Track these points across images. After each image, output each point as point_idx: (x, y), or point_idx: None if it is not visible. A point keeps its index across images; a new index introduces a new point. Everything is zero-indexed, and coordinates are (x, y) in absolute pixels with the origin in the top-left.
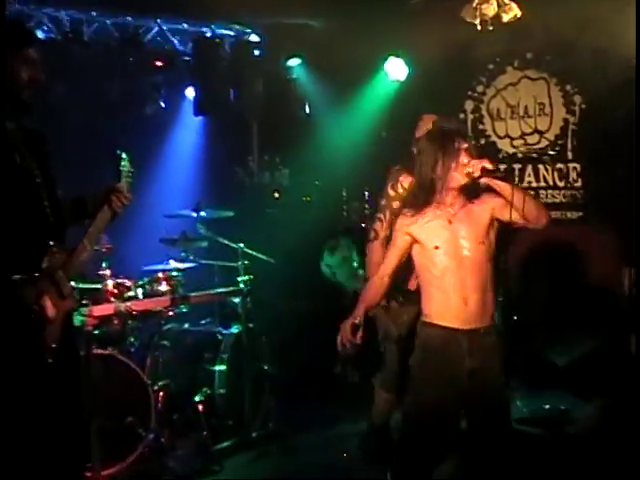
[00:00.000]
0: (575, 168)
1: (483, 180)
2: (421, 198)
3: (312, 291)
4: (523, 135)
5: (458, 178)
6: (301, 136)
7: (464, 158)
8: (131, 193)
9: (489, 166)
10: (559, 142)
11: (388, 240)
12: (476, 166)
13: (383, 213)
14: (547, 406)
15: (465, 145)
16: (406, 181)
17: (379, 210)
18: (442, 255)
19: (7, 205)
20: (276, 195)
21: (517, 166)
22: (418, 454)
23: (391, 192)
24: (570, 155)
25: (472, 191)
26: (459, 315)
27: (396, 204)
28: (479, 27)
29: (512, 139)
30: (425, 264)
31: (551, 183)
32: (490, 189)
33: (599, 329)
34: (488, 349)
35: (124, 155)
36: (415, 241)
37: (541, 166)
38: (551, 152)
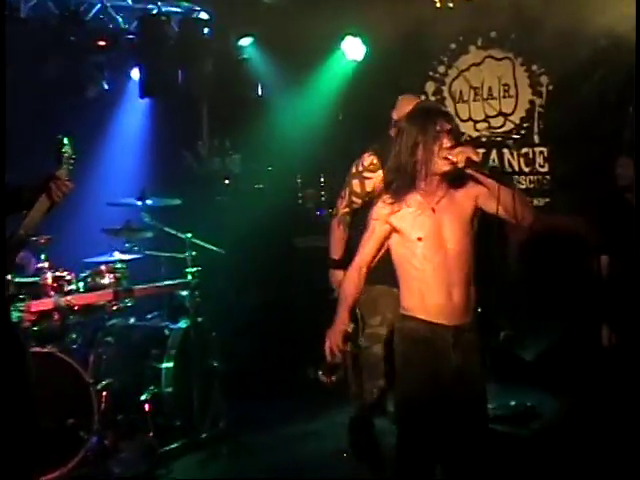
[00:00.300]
0: (542, 152)
1: (468, 171)
2: (401, 184)
3: (264, 282)
4: (487, 118)
5: (441, 164)
6: (253, 119)
7: (447, 141)
8: (71, 180)
9: (475, 157)
10: (525, 125)
11: (348, 220)
12: (460, 156)
13: (344, 191)
14: (513, 402)
15: (448, 127)
16: (367, 160)
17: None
18: (425, 247)
19: None
20: (226, 182)
21: (480, 150)
22: (416, 452)
23: (352, 169)
24: (536, 139)
25: (456, 177)
26: (444, 310)
27: (355, 183)
28: (438, 4)
29: (475, 122)
30: (405, 256)
31: (517, 168)
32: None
33: (567, 320)
34: (471, 346)
35: (65, 140)
36: (395, 231)
37: (506, 150)
38: (516, 136)
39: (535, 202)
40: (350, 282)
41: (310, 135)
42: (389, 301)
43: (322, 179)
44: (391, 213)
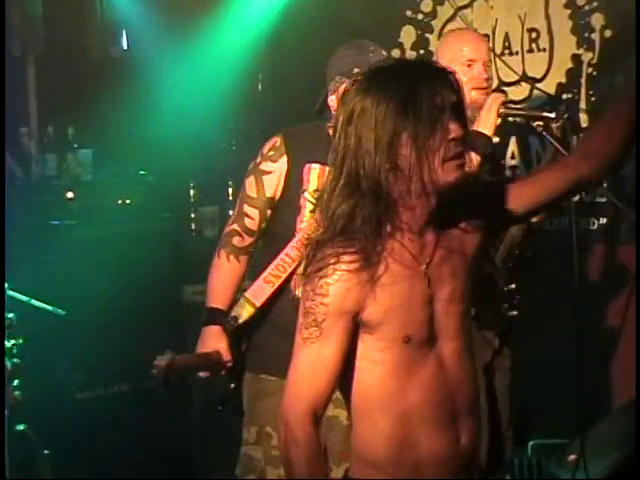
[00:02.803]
0: None
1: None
2: (370, 221)
3: (130, 361)
4: (502, 86)
5: (447, 170)
6: (113, 91)
7: (456, 131)
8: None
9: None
10: (565, 97)
11: (236, 246)
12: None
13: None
14: None
15: (454, 98)
16: (268, 144)
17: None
18: (415, 352)
19: None
20: (69, 195)
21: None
22: None
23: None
24: (584, 118)
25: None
26: (446, 461)
27: (249, 183)
28: None
29: None
30: (377, 374)
31: None
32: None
33: None
34: None
35: None
36: (366, 329)
37: (533, 138)
38: (550, 114)
39: (584, 224)
40: (295, 446)
41: (210, 116)
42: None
43: (230, 190)
44: (364, 295)
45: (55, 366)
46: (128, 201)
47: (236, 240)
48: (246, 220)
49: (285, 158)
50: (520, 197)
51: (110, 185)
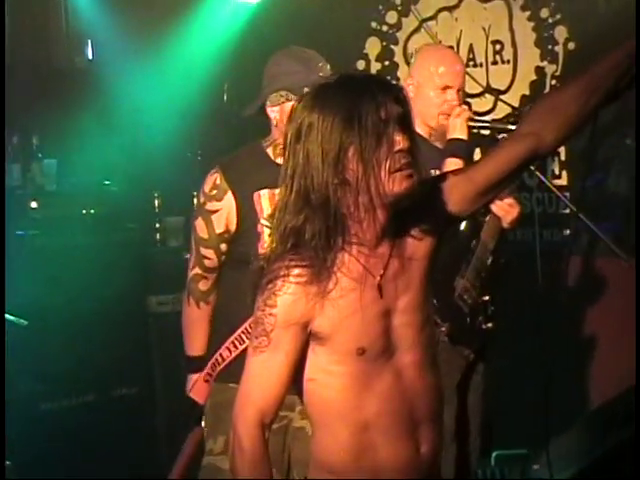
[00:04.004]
0: (557, 155)
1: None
2: (320, 235)
3: (94, 373)
4: (466, 97)
5: (394, 184)
6: (77, 100)
7: (402, 143)
8: None
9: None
10: (529, 109)
11: (202, 290)
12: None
13: (190, 241)
14: None
15: (399, 110)
16: (209, 181)
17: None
18: (370, 363)
19: None
20: (33, 205)
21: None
22: None
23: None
24: None
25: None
26: (405, 470)
27: (199, 224)
28: None
29: None
30: (331, 385)
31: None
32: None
33: None
34: None
35: None
36: (317, 340)
37: None
38: (513, 126)
39: (548, 236)
40: (240, 453)
41: (175, 126)
42: None
43: (195, 199)
44: (311, 308)
45: (18, 377)
46: (93, 211)
47: (201, 284)
48: (205, 261)
49: (230, 194)
50: (473, 182)
51: (75, 195)
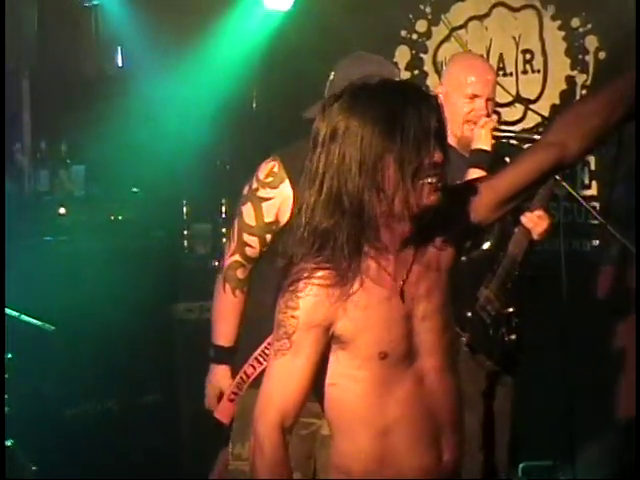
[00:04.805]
0: (586, 165)
1: None
2: (344, 240)
3: (121, 378)
4: (496, 106)
5: (425, 193)
6: (107, 107)
7: (437, 152)
8: None
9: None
10: None
11: (240, 278)
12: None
13: (232, 227)
14: None
15: (437, 122)
16: (264, 169)
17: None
18: (392, 368)
19: None
20: (61, 211)
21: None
22: None
23: (244, 190)
24: None
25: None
26: (429, 477)
27: (246, 210)
28: None
29: None
30: (352, 390)
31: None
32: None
33: None
34: None
35: None
36: (339, 344)
37: None
38: (538, 137)
39: (577, 246)
40: (260, 455)
41: (203, 133)
42: None
43: (224, 207)
44: (334, 310)
45: (44, 382)
46: (120, 217)
47: (240, 272)
48: (247, 249)
49: (287, 183)
50: (496, 190)
51: (102, 201)
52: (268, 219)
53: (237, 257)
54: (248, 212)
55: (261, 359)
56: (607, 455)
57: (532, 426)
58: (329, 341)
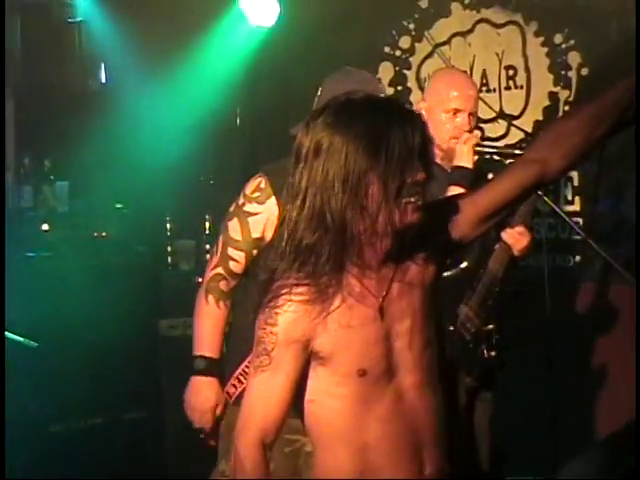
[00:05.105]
0: (569, 181)
1: None
2: (325, 255)
3: (103, 396)
4: (479, 123)
5: (408, 210)
6: (90, 123)
7: (420, 171)
8: None
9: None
10: None
11: (222, 290)
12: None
13: (217, 241)
14: None
15: (422, 141)
16: (251, 184)
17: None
18: (370, 386)
19: None
20: (45, 227)
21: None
22: None
23: (232, 206)
24: None
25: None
26: None
27: (232, 225)
28: None
29: None
30: (331, 407)
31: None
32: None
33: None
34: None
35: None
36: (318, 360)
37: None
38: (521, 152)
39: (560, 262)
40: (242, 472)
41: (187, 150)
42: None
43: (207, 223)
44: (314, 327)
45: (28, 398)
46: (104, 234)
47: (223, 284)
48: (231, 263)
49: (274, 200)
50: (477, 207)
51: (86, 217)
52: (255, 234)
53: (220, 270)
54: (234, 227)
55: (242, 378)
56: (590, 472)
57: (515, 442)
58: (309, 357)
